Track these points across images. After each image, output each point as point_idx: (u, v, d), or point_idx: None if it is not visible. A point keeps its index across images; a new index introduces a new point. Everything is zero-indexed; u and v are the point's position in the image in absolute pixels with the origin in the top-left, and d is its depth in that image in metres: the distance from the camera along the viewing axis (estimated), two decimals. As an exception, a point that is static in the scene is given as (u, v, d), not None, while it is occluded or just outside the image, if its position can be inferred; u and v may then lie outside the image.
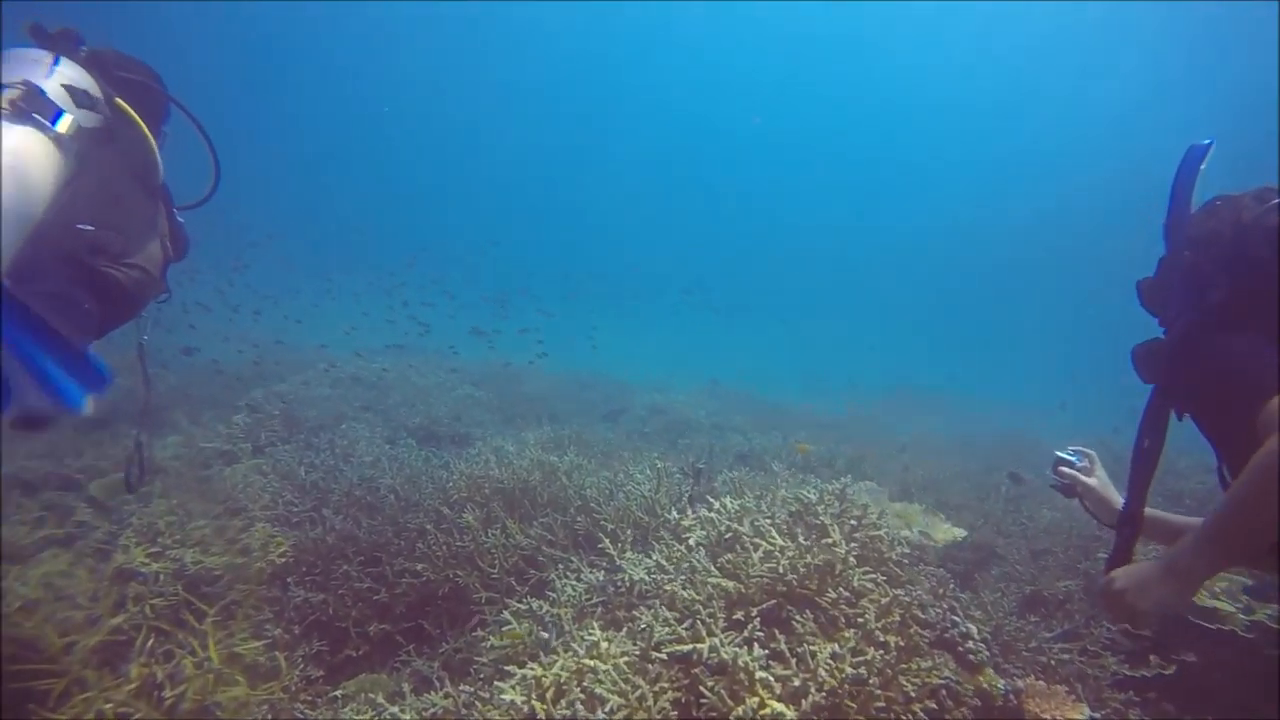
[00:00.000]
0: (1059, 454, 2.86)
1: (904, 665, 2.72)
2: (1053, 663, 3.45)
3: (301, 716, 3.38)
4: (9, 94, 2.07)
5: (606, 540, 3.73)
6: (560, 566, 3.95)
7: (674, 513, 4.05)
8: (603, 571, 3.67)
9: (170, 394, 7.90)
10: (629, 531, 4.01)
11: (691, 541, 3.49)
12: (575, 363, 16.91)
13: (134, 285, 2.34)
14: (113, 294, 2.26)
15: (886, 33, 42.45)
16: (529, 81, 49.71)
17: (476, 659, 3.54)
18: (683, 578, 3.17)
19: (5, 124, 2.01)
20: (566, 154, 57.14)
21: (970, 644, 3.19)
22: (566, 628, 3.07)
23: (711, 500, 3.78)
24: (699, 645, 2.64)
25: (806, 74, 47.95)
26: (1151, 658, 3.37)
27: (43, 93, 2.14)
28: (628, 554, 3.63)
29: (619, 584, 3.40)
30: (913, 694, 2.62)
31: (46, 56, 2.32)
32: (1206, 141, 2.17)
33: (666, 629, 2.78)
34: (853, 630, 2.76)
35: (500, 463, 4.98)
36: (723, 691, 2.50)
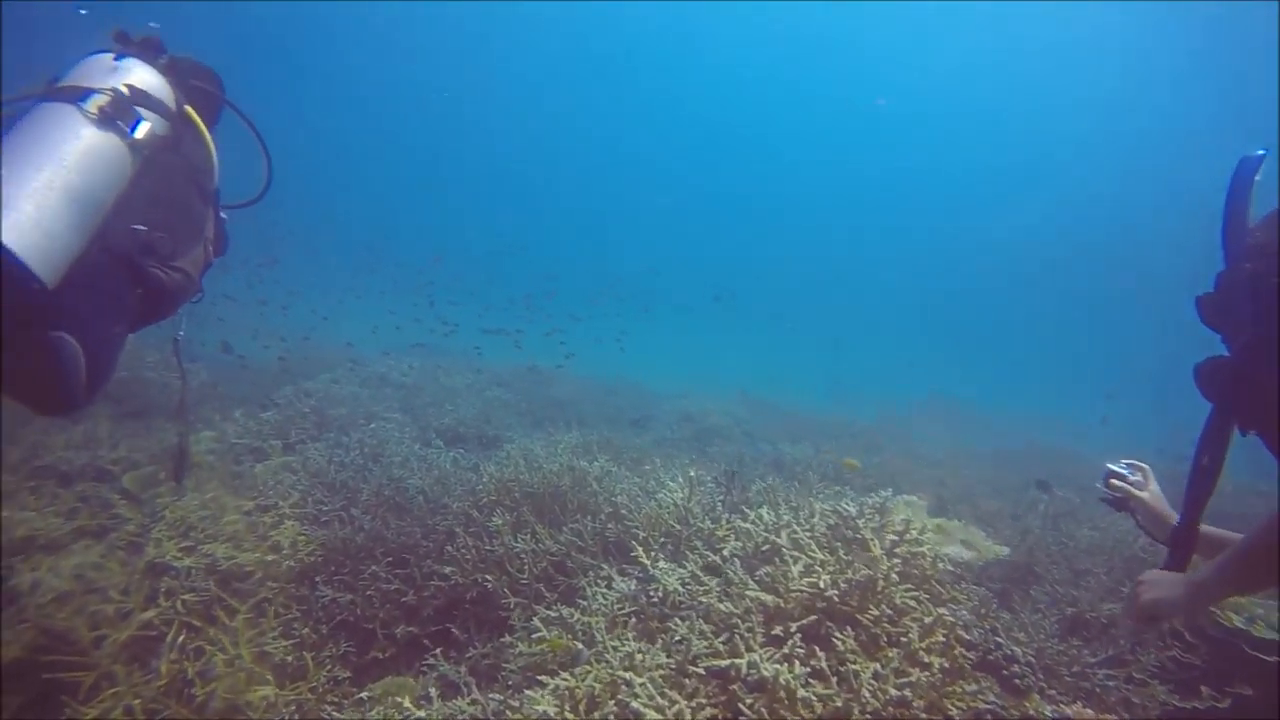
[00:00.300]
0: (1111, 467, 2.76)
1: (948, 688, 2.64)
2: (1098, 689, 3.34)
3: (328, 718, 3.35)
4: (98, 99, 2.20)
5: (639, 548, 3.67)
6: (591, 574, 3.89)
7: (708, 522, 3.98)
8: (635, 580, 3.60)
9: (201, 389, 7.95)
10: (661, 540, 3.94)
11: (726, 552, 3.42)
12: (602, 367, 16.87)
13: (175, 287, 2.44)
14: (155, 293, 2.36)
15: (917, 39, 42.34)
16: (558, 84, 50.05)
17: (505, 665, 3.50)
18: (718, 589, 3.10)
19: (91, 128, 2.14)
20: (596, 159, 57.39)
21: (1015, 668, 3.09)
22: (599, 638, 3.01)
23: (746, 510, 3.70)
24: (737, 661, 2.57)
25: (840, 81, 47.81)
26: (1203, 689, 3.23)
27: (127, 101, 2.27)
28: (660, 563, 3.56)
29: (652, 594, 3.34)
30: (957, 718, 2.54)
31: (120, 63, 2.42)
32: (1261, 151, 2.09)
33: (703, 642, 2.72)
34: (896, 650, 2.68)
35: (530, 466, 4.94)
36: (762, 710, 2.43)
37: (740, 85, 50.00)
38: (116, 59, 2.43)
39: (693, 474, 4.49)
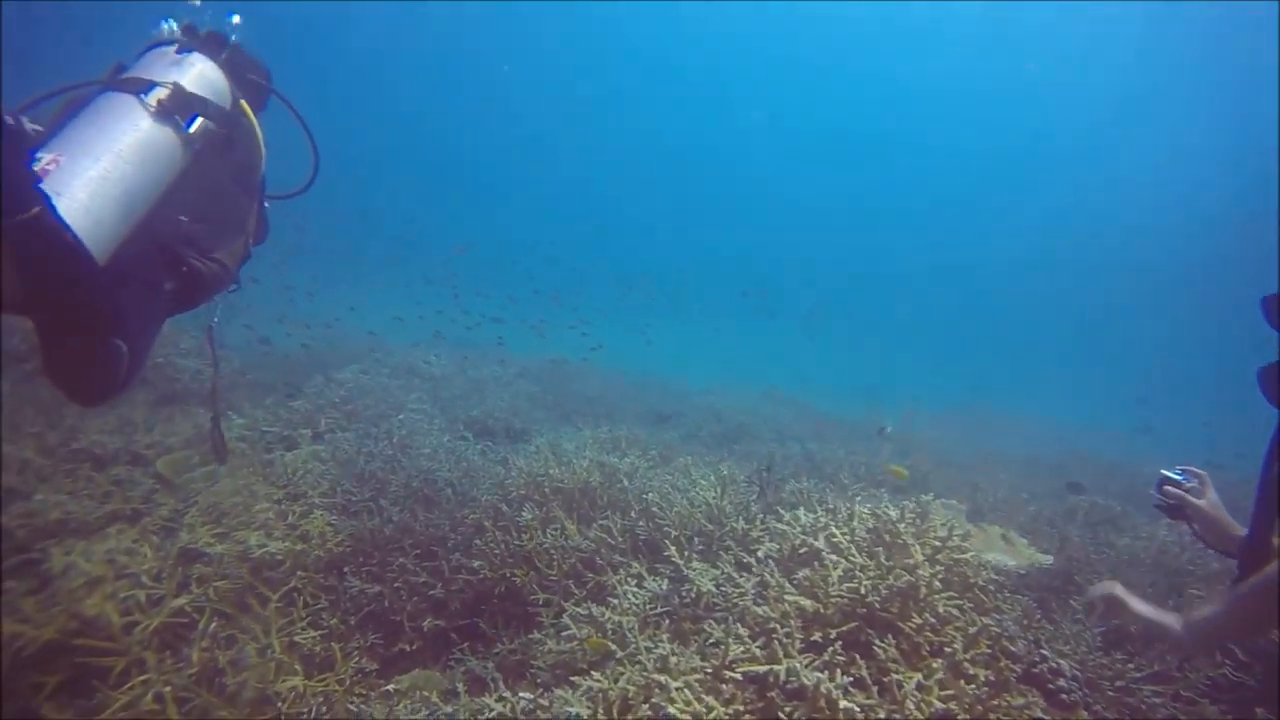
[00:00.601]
0: (1165, 473, 2.66)
1: (994, 701, 2.55)
2: (1143, 706, 3.21)
3: (358, 712, 3.32)
4: (159, 93, 2.27)
5: (671, 547, 3.60)
6: (621, 572, 3.84)
7: (741, 522, 3.91)
8: (666, 580, 3.54)
9: (232, 376, 8.01)
10: (693, 539, 3.87)
11: (761, 554, 3.35)
12: (629, 361, 16.81)
13: (212, 277, 2.52)
14: (192, 282, 2.44)
15: (932, 38, 42.14)
16: (589, 78, 50.13)
17: (533, 663, 3.46)
18: (754, 592, 3.03)
19: (149, 120, 2.21)
20: (628, 153, 57.35)
21: (1062, 682, 2.98)
22: (631, 638, 2.95)
23: (782, 511, 3.62)
24: (775, 667, 2.50)
25: (883, 76, 47.38)
26: (1259, 710, 3.10)
27: (185, 97, 2.34)
28: (693, 563, 3.49)
29: (685, 594, 3.28)
30: (1004, 734, 2.45)
31: (183, 57, 2.51)
32: None
33: (740, 646, 2.65)
34: (939, 660, 2.59)
35: (559, 461, 4.90)
36: (801, 719, 2.35)
37: (770, 84, 49.77)
38: (180, 53, 2.51)
39: (725, 471, 4.42)
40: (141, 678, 3.13)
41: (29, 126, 1.84)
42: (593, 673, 2.76)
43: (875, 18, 41.48)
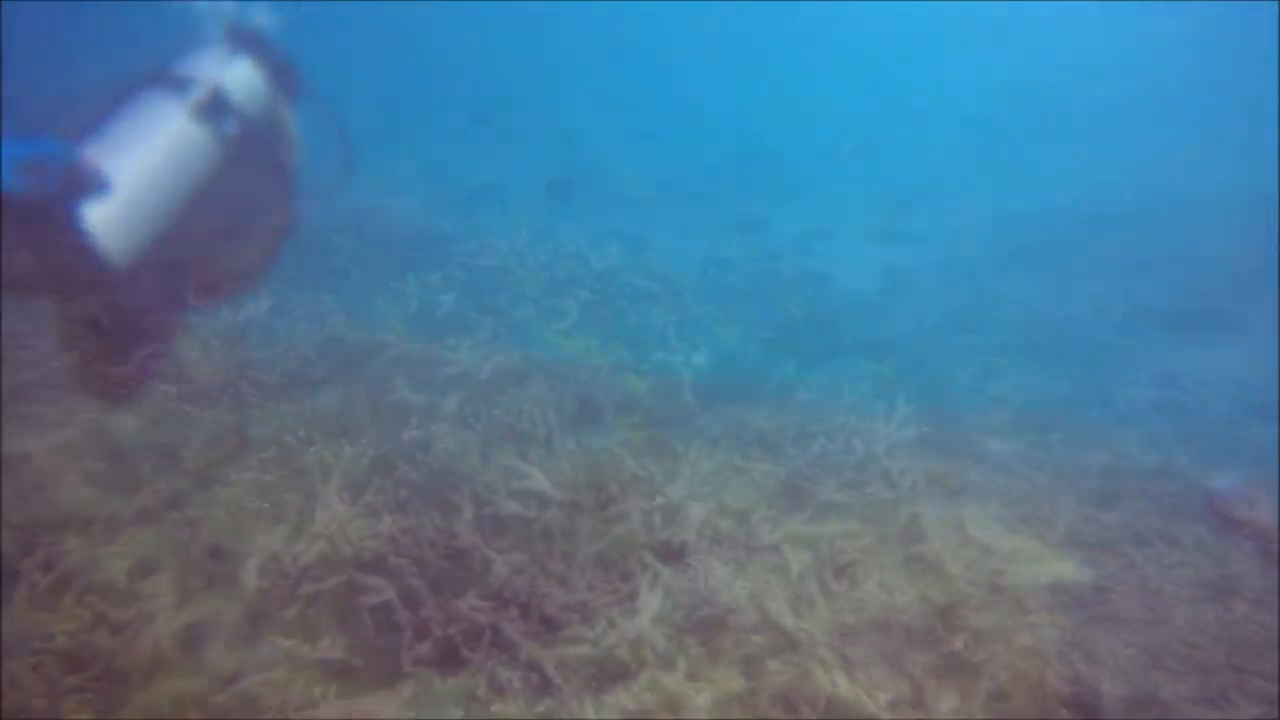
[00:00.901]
0: (1218, 484, 2.54)
1: (1038, 723, 2.45)
2: (1190, 729, 3.09)
3: (379, 715, 3.27)
4: (200, 93, 2.33)
5: (698, 553, 3.54)
6: (648, 577, 3.76)
7: (773, 528, 3.82)
8: (695, 587, 3.46)
9: (257, 368, 8.00)
10: (722, 546, 3.79)
11: (794, 563, 3.27)
12: (646, 355, 16.65)
13: (245, 271, 2.64)
14: (224, 276, 2.56)
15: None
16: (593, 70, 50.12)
17: (557, 669, 3.39)
18: (787, 602, 2.95)
19: (189, 119, 2.26)
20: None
21: (1105, 703, 2.88)
22: (659, 647, 2.88)
23: (815, 517, 3.55)
24: (811, 682, 2.42)
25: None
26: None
27: (225, 98, 2.41)
28: (722, 570, 3.42)
29: (716, 603, 3.20)
30: (1049, 758, 2.36)
31: (224, 56, 2.58)
32: None
33: (774, 659, 2.57)
34: (981, 679, 2.49)
35: (584, 462, 4.84)
36: (838, 737, 2.27)
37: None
38: (223, 53, 2.57)
39: (756, 475, 4.34)
40: (163, 677, 3.10)
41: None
42: (619, 682, 2.70)
43: (883, 14, 41.09)
